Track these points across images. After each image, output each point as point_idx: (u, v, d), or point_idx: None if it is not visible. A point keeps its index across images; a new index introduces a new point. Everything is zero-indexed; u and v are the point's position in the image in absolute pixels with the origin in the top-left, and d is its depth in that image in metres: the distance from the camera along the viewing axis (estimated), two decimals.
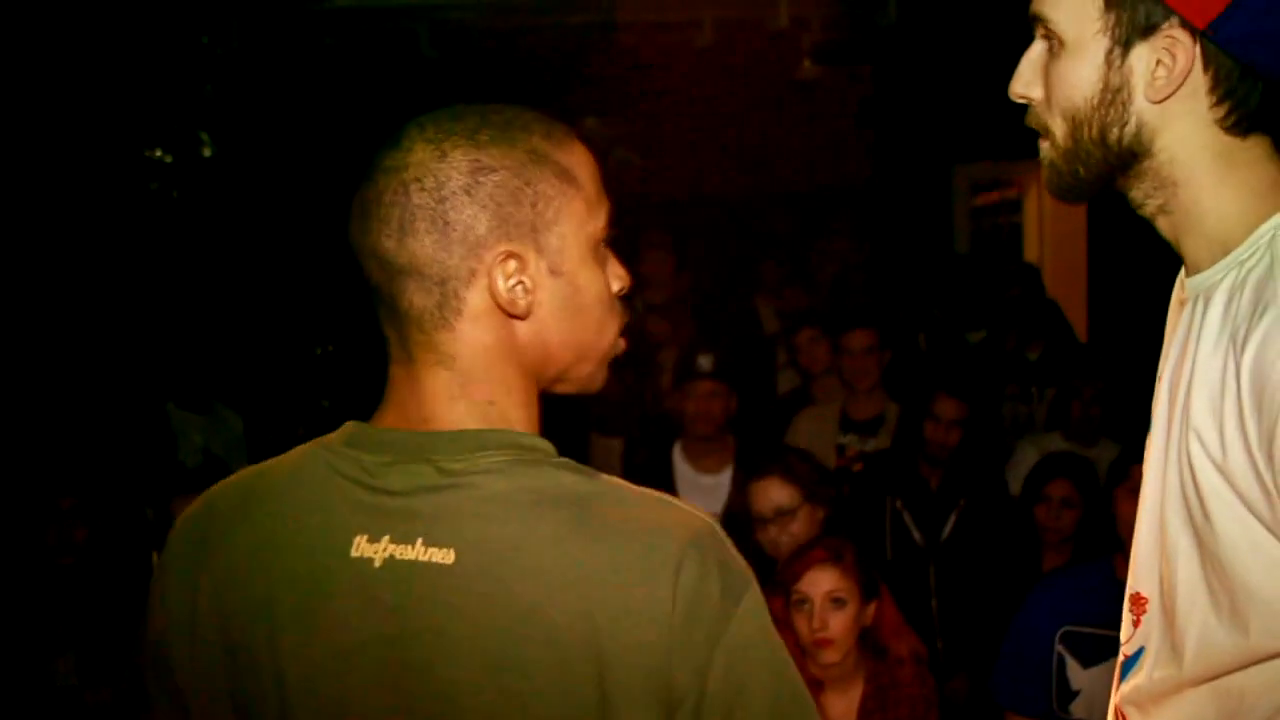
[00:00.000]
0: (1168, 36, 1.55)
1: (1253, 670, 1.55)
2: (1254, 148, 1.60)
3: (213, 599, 1.49)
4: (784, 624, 3.57)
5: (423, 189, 1.44)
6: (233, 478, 1.60)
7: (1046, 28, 1.62)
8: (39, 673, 4.37)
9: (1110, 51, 1.58)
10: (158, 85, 7.83)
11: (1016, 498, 5.16)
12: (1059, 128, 1.63)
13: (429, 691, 1.40)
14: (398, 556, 1.42)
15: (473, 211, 1.44)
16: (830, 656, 3.51)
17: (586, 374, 1.58)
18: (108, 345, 7.21)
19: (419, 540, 1.42)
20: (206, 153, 8.31)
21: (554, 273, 1.48)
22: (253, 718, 1.48)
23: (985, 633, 4.48)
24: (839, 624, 3.51)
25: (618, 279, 1.58)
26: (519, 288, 1.46)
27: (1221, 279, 1.57)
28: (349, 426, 1.53)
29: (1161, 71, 1.56)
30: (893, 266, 8.85)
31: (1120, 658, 1.77)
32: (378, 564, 1.43)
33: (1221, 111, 1.57)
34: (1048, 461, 5.03)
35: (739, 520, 4.18)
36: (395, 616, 1.41)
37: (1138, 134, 1.60)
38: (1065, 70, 1.61)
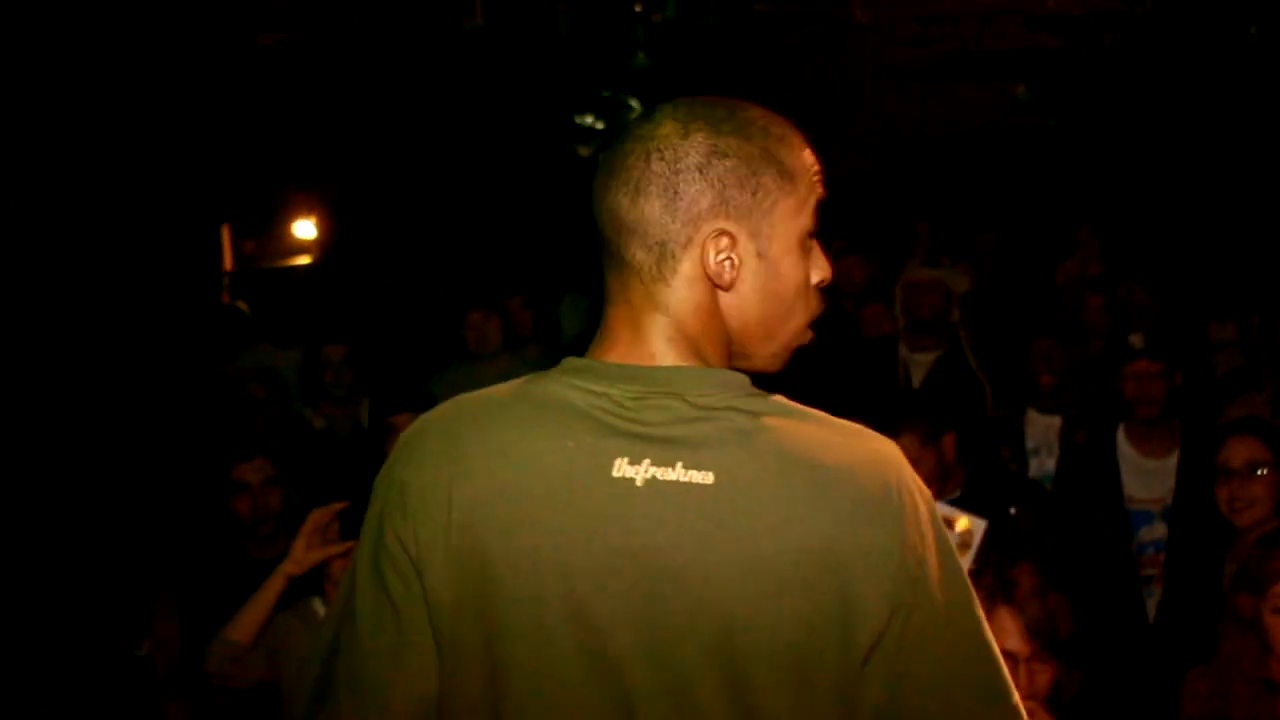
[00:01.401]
0: None
1: None
2: None
3: (467, 512, 1.62)
4: (1250, 624, 3.40)
5: (662, 159, 1.64)
6: (453, 404, 1.75)
7: None
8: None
9: None
10: (590, 53, 8.08)
11: None
12: None
13: (685, 593, 1.56)
14: (659, 477, 1.59)
15: (700, 187, 1.64)
16: None
17: (769, 353, 1.74)
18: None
19: (679, 464, 1.59)
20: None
21: (760, 256, 1.67)
22: (508, 626, 1.61)
23: None
24: None
25: (819, 270, 1.75)
26: (727, 262, 1.65)
27: None
28: (570, 361, 1.70)
29: None
30: None
31: None
32: (639, 483, 1.59)
33: None
34: None
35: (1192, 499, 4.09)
36: (660, 528, 1.58)
37: None
38: None
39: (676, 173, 1.64)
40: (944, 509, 4.19)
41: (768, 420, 1.62)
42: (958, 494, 4.35)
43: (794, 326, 1.73)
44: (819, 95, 9.20)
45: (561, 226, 7.36)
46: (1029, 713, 3.03)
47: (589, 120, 8.24)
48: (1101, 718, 3.78)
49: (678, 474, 1.59)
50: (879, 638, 1.56)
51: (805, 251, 1.71)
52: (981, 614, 1.69)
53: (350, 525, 3.79)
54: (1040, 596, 3.11)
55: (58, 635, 4.46)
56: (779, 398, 1.67)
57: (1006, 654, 2.97)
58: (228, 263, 9.93)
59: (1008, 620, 3.06)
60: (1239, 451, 4.11)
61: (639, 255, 1.66)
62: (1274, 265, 6.99)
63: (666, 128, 1.66)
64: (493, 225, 9.24)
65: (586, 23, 8.08)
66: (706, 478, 1.58)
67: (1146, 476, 4.72)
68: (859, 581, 1.55)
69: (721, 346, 1.70)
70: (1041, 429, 5.43)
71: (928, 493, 1.64)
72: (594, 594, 1.58)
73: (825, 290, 1.78)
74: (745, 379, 1.67)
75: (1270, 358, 5.44)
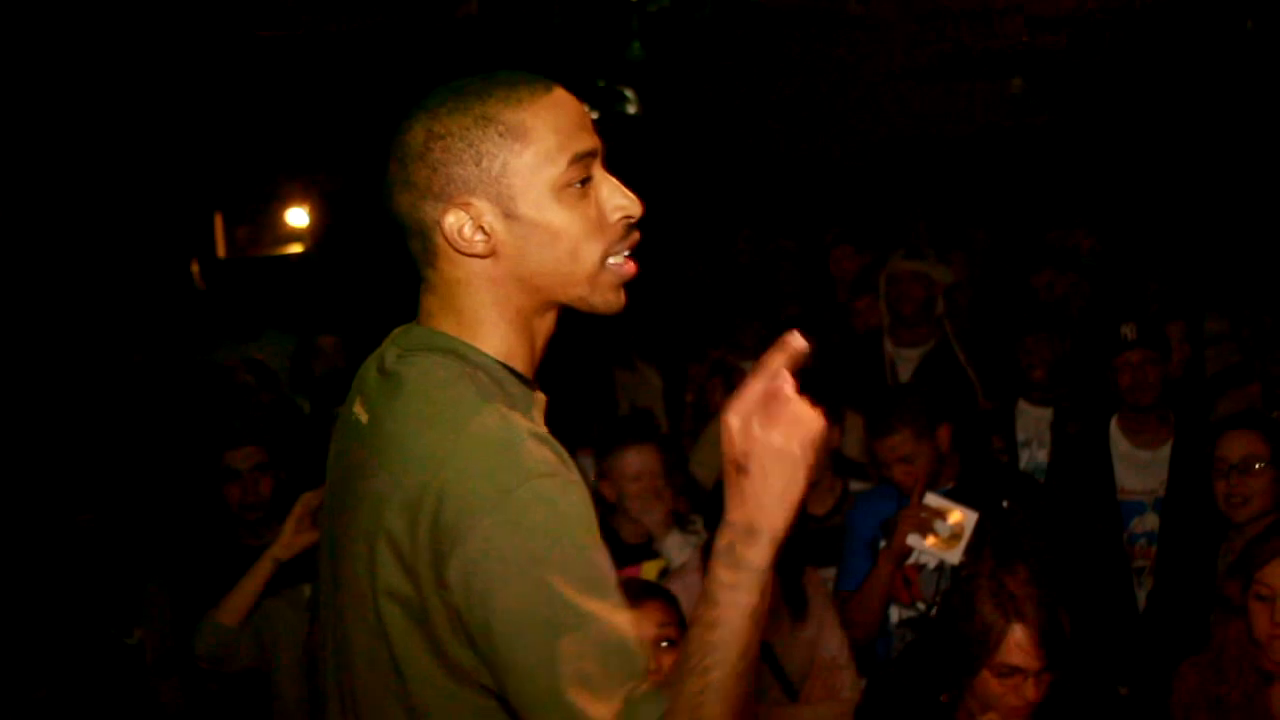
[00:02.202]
0: None
1: None
2: None
3: None
4: (1238, 610, 3.41)
5: (394, 157, 1.80)
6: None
7: None
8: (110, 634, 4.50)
9: None
10: (586, 42, 8.05)
11: None
12: None
13: (351, 510, 1.82)
14: (359, 417, 1.87)
15: (426, 173, 1.77)
16: None
17: (579, 295, 1.83)
18: None
19: (360, 404, 1.88)
20: (631, 110, 8.45)
21: (510, 216, 1.77)
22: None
23: None
24: None
25: (618, 209, 1.81)
26: (476, 233, 1.77)
27: None
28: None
29: None
30: None
31: None
32: (363, 420, 1.85)
33: None
34: None
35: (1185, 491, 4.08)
36: (350, 456, 1.87)
37: None
38: None
39: (405, 166, 1.79)
40: (936, 500, 4.20)
41: (416, 376, 1.79)
42: (951, 485, 4.35)
43: (590, 265, 1.80)
44: (816, 88, 9.18)
45: None
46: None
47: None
48: (1092, 707, 3.76)
49: (358, 414, 1.87)
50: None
51: (572, 196, 1.78)
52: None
53: None
54: (1045, 606, 3.08)
55: (52, 621, 4.46)
56: (465, 364, 1.80)
57: (1017, 670, 3.00)
58: (220, 250, 9.92)
59: (1020, 635, 3.03)
60: (1237, 446, 4.13)
61: (412, 247, 1.84)
62: (1266, 260, 6.99)
63: (401, 126, 1.81)
64: None
65: (581, 12, 8.06)
66: (365, 418, 1.85)
67: (1139, 468, 4.72)
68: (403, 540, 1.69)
69: (500, 313, 1.82)
70: (1033, 421, 5.43)
71: (539, 466, 1.69)
72: (331, 513, 1.93)
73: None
74: (446, 341, 1.82)
75: (1261, 353, 5.43)
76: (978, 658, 3.05)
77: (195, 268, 9.37)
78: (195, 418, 5.69)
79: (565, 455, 1.74)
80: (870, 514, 4.39)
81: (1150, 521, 4.69)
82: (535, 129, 1.75)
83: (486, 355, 1.82)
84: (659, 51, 8.10)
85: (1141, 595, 4.65)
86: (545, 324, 1.88)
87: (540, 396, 1.91)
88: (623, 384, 6.67)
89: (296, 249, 10.21)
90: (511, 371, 1.83)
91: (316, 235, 10.07)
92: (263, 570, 3.82)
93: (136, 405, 6.11)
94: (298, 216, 10.14)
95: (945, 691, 3.16)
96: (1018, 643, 3.01)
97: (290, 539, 3.80)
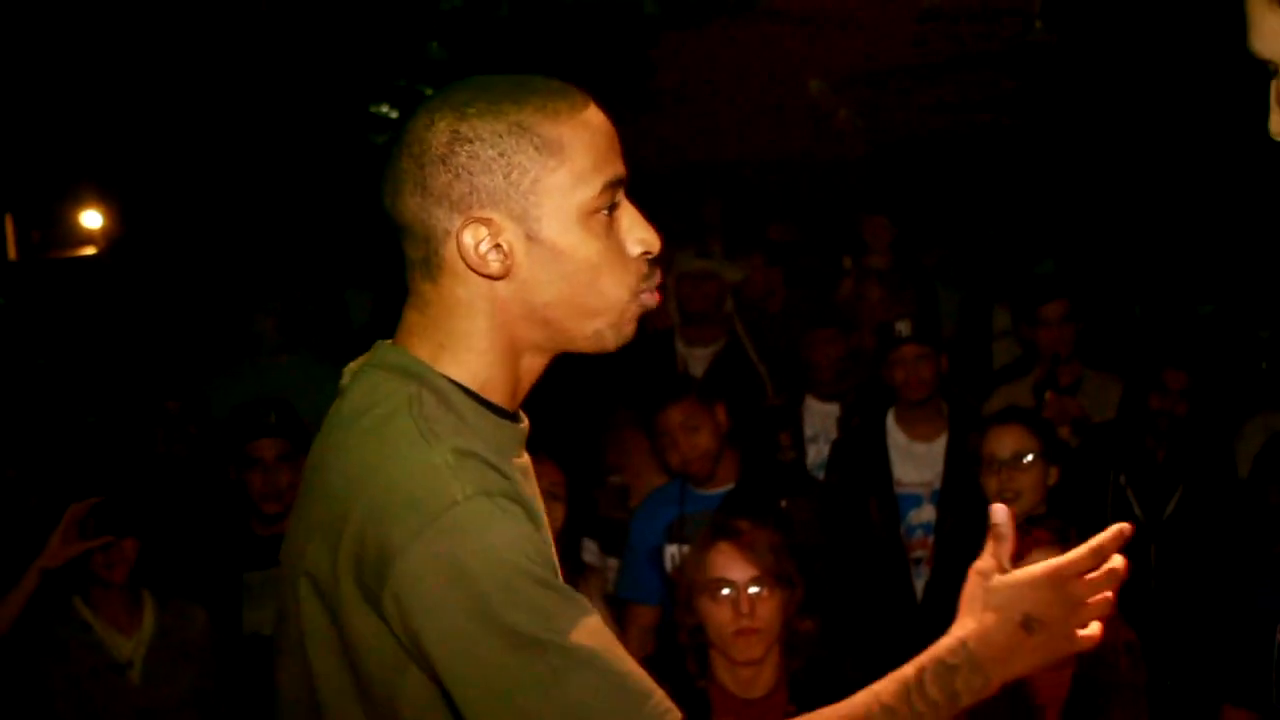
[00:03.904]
0: None
1: None
2: None
3: None
4: None
5: (410, 154, 1.61)
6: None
7: (1261, 60, 1.62)
8: None
9: None
10: (385, 42, 8.00)
11: (1245, 478, 4.96)
12: None
13: (291, 540, 1.68)
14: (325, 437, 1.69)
15: (447, 178, 1.58)
16: None
17: (592, 331, 1.65)
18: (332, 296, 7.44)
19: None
20: None
21: (531, 238, 1.59)
22: None
23: (1205, 618, 4.34)
24: None
25: (639, 243, 1.65)
26: (492, 252, 1.59)
27: None
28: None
29: None
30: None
31: None
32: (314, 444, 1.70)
33: None
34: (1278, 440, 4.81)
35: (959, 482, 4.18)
36: (305, 479, 1.71)
37: None
38: None
39: (421, 166, 1.59)
40: None
41: (365, 401, 1.63)
42: (732, 485, 4.41)
43: (613, 300, 1.64)
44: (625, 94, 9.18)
45: (355, 218, 7.28)
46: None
47: (384, 109, 8.19)
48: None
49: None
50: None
51: (598, 224, 1.62)
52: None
53: (107, 520, 3.85)
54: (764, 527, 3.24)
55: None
56: (417, 393, 1.60)
57: (728, 582, 3.11)
58: (12, 252, 9.64)
59: (725, 548, 3.21)
60: (1006, 441, 4.14)
61: (411, 253, 1.64)
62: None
63: (418, 120, 1.61)
64: (284, 218, 9.08)
65: (381, 12, 8.00)
66: (320, 441, 1.68)
67: (915, 460, 4.83)
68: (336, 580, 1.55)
69: (495, 340, 1.63)
70: (820, 416, 5.54)
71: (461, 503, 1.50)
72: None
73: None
74: (408, 362, 1.64)
75: (1031, 346, 5.56)
76: (691, 586, 3.19)
77: None
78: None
79: (513, 479, 1.58)
80: (653, 518, 4.43)
81: (927, 513, 4.80)
82: (571, 146, 1.60)
83: (445, 378, 1.62)
84: (460, 50, 8.09)
85: (919, 586, 4.76)
86: (534, 365, 1.69)
87: (521, 428, 1.72)
88: None
89: (90, 251, 9.96)
90: (481, 401, 1.64)
91: (110, 238, 9.83)
92: (30, 581, 3.75)
93: None
94: (92, 218, 9.88)
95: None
96: (722, 554, 3.16)
97: (57, 549, 3.74)
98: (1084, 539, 3.47)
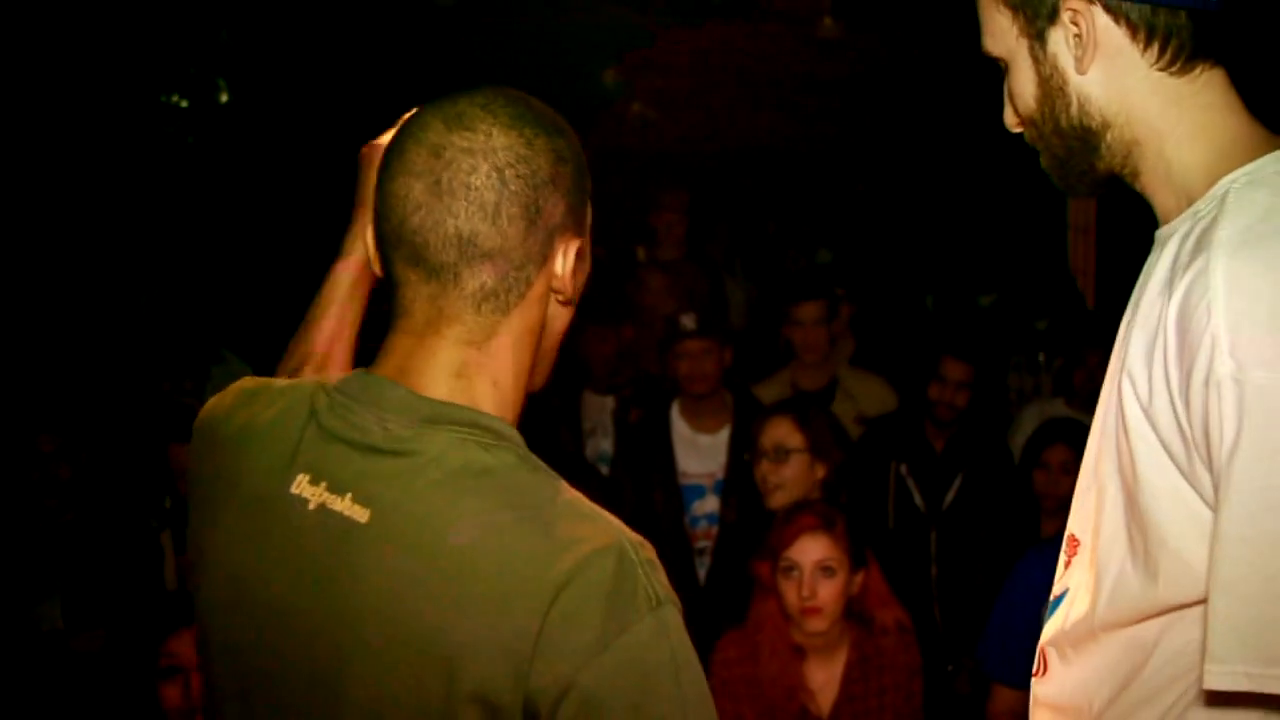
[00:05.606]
0: (1069, 9, 1.59)
1: (1159, 622, 1.54)
2: (1203, 87, 1.60)
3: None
4: (771, 589, 3.57)
5: (507, 176, 1.46)
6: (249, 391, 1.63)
7: (993, 58, 1.70)
8: (24, 617, 4.36)
9: (1031, 48, 1.64)
10: (175, 30, 7.80)
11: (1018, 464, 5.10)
12: (1031, 135, 1.70)
13: (323, 640, 1.43)
14: (328, 505, 1.44)
15: (554, 200, 1.49)
16: (817, 625, 3.51)
17: (548, 367, 1.61)
18: (110, 290, 7.22)
19: (350, 494, 1.44)
20: (223, 98, 8.25)
21: (579, 258, 1.56)
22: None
23: (982, 602, 4.45)
24: (827, 593, 3.51)
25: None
26: (572, 273, 1.53)
27: (1178, 229, 1.57)
28: (354, 372, 1.55)
29: (1074, 43, 1.60)
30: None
31: (1050, 598, 1.77)
32: (311, 506, 1.45)
33: (1153, 55, 1.58)
34: (1047, 427, 4.93)
35: (741, 473, 4.22)
36: (313, 562, 1.44)
37: (1084, 109, 1.63)
38: (1014, 85, 1.68)
39: (535, 188, 1.47)
40: None
41: (462, 467, 1.43)
42: None
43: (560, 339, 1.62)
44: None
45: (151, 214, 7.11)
46: None
47: (175, 99, 7.98)
48: None
49: (344, 505, 1.44)
50: None
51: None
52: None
53: None
54: None
55: None
56: (513, 448, 1.47)
57: None
58: None
59: None
60: (772, 433, 4.22)
61: (489, 282, 1.47)
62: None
63: (503, 138, 1.46)
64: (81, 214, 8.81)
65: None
66: (364, 515, 1.43)
67: (699, 451, 4.88)
68: (464, 682, 1.35)
69: (529, 368, 1.55)
70: (596, 410, 5.55)
71: (653, 598, 1.39)
72: (249, 619, 1.53)
73: None
74: (479, 417, 1.47)
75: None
76: None
77: None
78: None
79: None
80: None
81: (711, 503, 4.85)
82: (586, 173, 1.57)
83: (514, 430, 1.50)
84: (249, 37, 7.93)
85: (702, 573, 4.80)
86: None
87: None
88: None
89: None
90: None
91: None
92: None
93: None
94: None
95: None
96: None
97: None
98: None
